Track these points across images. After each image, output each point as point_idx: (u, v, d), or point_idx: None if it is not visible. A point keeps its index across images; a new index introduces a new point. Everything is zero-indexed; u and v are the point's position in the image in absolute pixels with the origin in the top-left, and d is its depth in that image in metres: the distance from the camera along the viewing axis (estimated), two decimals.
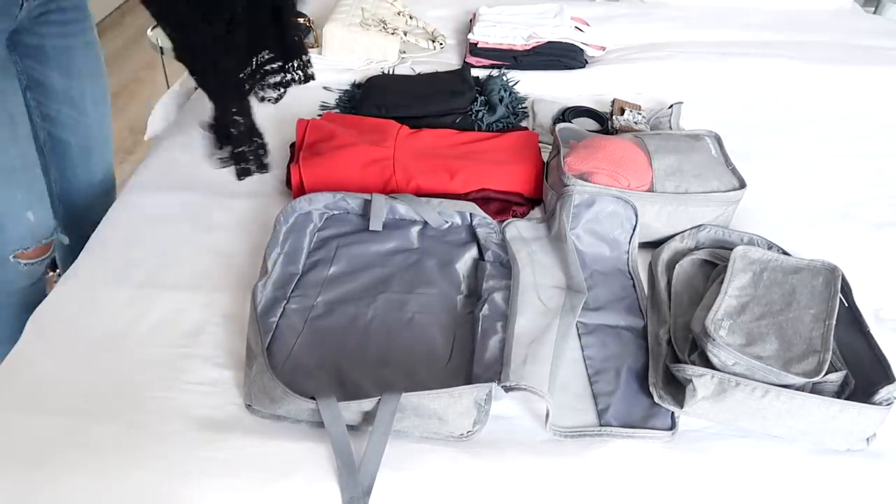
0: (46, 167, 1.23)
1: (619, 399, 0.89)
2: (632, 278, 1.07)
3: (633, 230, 1.09)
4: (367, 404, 0.80)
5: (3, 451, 0.81)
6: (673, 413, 0.87)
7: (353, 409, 0.81)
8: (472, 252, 1.09)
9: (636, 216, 1.08)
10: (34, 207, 1.17)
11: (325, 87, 1.57)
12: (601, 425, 0.86)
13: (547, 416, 0.84)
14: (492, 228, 1.11)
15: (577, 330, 0.98)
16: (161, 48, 2.26)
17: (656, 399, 0.88)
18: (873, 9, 2.51)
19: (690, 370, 0.85)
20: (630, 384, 0.91)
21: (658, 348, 0.95)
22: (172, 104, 1.61)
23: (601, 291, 1.04)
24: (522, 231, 1.13)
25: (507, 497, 0.79)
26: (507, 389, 0.85)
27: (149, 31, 2.38)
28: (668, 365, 0.90)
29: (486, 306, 0.96)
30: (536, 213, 1.21)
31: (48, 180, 1.24)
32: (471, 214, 1.12)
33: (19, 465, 0.79)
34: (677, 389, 0.88)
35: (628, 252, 1.10)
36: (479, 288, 1.01)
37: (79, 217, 1.22)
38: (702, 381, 0.84)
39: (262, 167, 1.22)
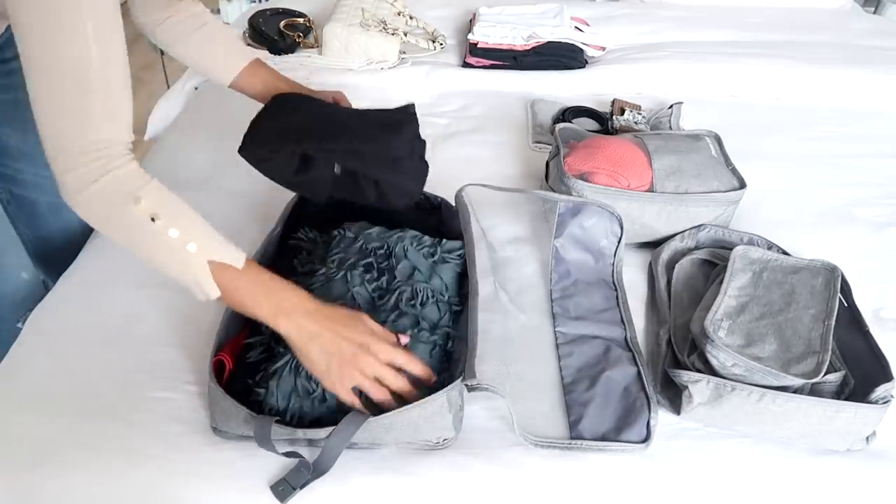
0: (15, 226, 1.10)
1: (593, 410, 0.87)
2: (615, 289, 1.06)
3: (619, 241, 1.07)
4: (321, 433, 0.76)
5: (2, 450, 0.81)
6: (649, 423, 0.85)
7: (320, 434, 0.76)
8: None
9: (621, 228, 1.06)
10: (24, 267, 1.10)
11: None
12: (571, 438, 0.84)
13: (512, 419, 0.82)
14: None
15: (556, 339, 0.98)
16: (161, 49, 2.27)
17: (653, 402, 0.88)
18: (873, 9, 2.52)
19: (686, 376, 0.85)
20: (605, 395, 0.89)
21: (657, 349, 0.95)
22: (172, 104, 1.61)
23: (583, 301, 1.03)
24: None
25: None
26: (470, 389, 0.82)
27: None
28: (666, 369, 0.90)
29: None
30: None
31: (21, 240, 1.13)
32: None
33: (19, 465, 0.79)
34: (675, 393, 0.88)
35: (613, 263, 1.08)
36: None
37: (62, 268, 1.08)
38: (697, 388, 0.84)
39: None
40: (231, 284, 0.76)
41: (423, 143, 1.02)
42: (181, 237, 0.73)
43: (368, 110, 1.03)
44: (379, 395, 0.76)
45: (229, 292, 0.76)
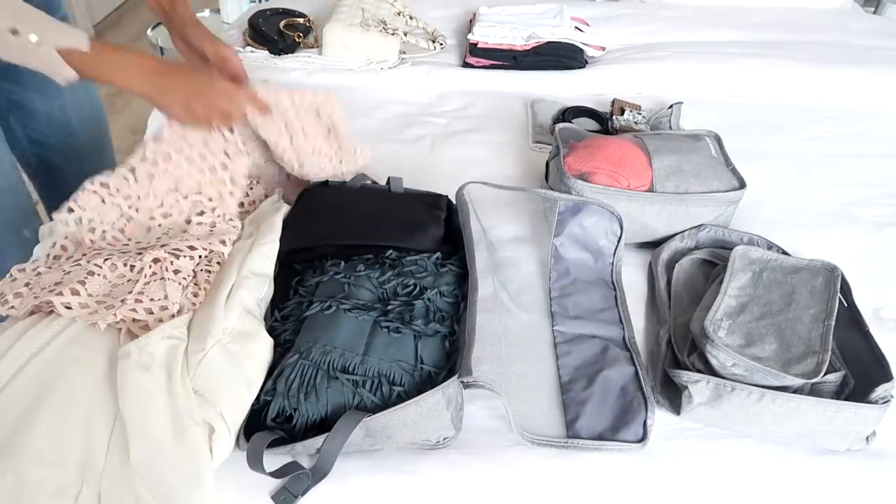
0: (43, 194, 1.11)
1: (590, 409, 0.87)
2: (614, 289, 1.06)
3: (619, 241, 1.07)
4: (319, 441, 0.75)
5: None
6: (646, 423, 0.85)
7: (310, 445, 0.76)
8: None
9: (621, 228, 1.06)
10: (27, 223, 1.11)
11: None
12: (568, 436, 0.84)
13: (509, 418, 0.82)
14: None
15: (554, 338, 0.98)
16: (161, 48, 2.26)
17: (650, 402, 0.88)
18: (873, 9, 2.52)
19: (686, 376, 0.85)
20: (603, 394, 0.88)
21: (657, 349, 0.95)
22: None
23: (582, 300, 1.03)
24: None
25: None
26: (466, 385, 0.80)
27: (149, 31, 2.38)
28: (666, 369, 0.90)
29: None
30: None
31: (47, 206, 1.13)
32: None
33: None
34: (675, 393, 0.88)
35: (612, 263, 1.08)
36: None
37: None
38: (697, 388, 0.84)
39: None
40: (83, 65, 0.85)
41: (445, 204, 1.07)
42: (23, 34, 0.80)
43: (401, 197, 1.07)
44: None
45: (84, 72, 0.86)
